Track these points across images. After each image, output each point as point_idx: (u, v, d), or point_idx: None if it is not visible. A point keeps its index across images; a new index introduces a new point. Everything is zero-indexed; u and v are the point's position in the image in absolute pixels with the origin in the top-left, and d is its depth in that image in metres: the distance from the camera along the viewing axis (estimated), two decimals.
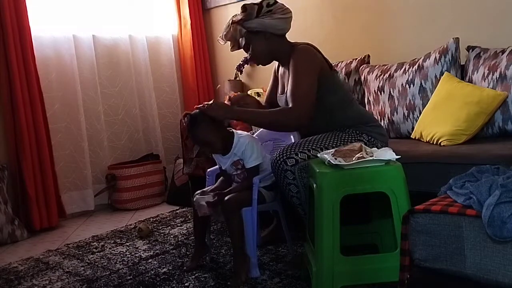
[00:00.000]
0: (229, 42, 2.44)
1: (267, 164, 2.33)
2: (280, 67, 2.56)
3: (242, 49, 2.45)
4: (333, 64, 3.29)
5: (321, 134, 2.32)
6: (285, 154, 2.19)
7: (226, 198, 2.24)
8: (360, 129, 2.35)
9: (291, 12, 2.40)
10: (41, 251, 2.99)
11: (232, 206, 2.21)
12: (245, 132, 2.47)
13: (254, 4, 2.33)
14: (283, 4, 2.38)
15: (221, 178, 2.47)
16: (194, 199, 2.33)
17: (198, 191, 2.43)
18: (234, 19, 2.37)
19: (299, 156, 2.19)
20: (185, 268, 2.43)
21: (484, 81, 2.63)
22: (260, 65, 2.50)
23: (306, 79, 2.27)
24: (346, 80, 3.28)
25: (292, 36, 2.44)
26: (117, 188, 3.89)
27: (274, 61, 2.54)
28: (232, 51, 2.49)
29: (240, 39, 2.39)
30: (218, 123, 2.29)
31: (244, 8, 2.33)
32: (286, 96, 2.34)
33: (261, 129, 2.65)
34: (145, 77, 4.22)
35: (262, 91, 3.66)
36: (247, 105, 2.46)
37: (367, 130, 2.36)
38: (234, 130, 2.40)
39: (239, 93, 2.50)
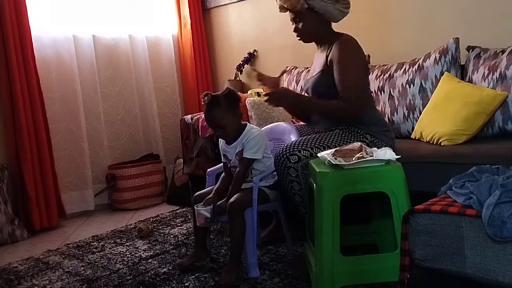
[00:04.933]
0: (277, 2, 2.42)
1: (271, 164, 2.33)
2: (317, 50, 2.54)
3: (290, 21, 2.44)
4: None
5: (327, 126, 2.34)
6: (288, 151, 2.20)
7: (230, 201, 2.23)
8: (365, 129, 2.35)
9: (350, 8, 2.40)
10: (41, 251, 2.99)
11: (236, 209, 2.21)
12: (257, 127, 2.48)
13: None
14: None
15: (222, 176, 2.47)
16: (195, 208, 2.32)
17: (199, 193, 2.44)
18: None
19: (302, 153, 2.19)
20: (179, 263, 2.43)
21: (484, 81, 2.63)
22: (257, 62, 2.53)
23: (353, 70, 2.30)
24: None
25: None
26: (117, 188, 3.89)
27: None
28: (280, 12, 2.46)
29: (296, 10, 2.36)
30: (236, 109, 2.32)
31: None
32: (337, 84, 2.32)
33: (263, 128, 2.66)
34: (145, 77, 4.22)
35: (262, 91, 3.65)
36: None
37: (372, 131, 2.36)
38: (247, 123, 2.41)
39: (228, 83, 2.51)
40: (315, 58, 2.56)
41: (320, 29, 2.41)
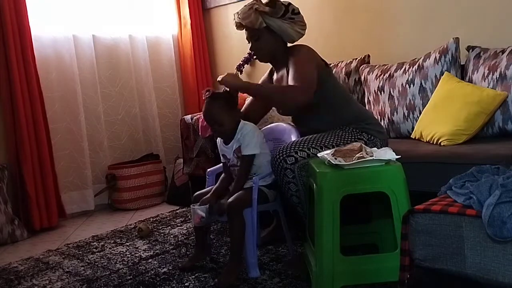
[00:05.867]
0: (236, 21, 2.44)
1: (268, 161, 2.33)
2: (275, 74, 2.55)
3: (246, 40, 2.47)
4: (333, 64, 3.31)
5: (320, 132, 2.33)
6: (284, 152, 2.20)
7: (228, 200, 2.23)
8: (359, 128, 2.35)
9: (306, 29, 2.43)
10: (41, 251, 2.99)
11: (234, 208, 2.21)
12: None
13: (282, 4, 2.35)
14: (303, 19, 2.41)
15: (222, 177, 2.47)
16: (191, 207, 2.34)
17: (198, 192, 2.44)
18: (257, 7, 2.34)
19: (299, 154, 2.19)
20: (180, 266, 2.44)
21: (484, 81, 2.63)
22: (258, 61, 2.57)
23: (306, 67, 2.30)
24: (346, 80, 3.28)
25: None
26: (117, 188, 3.89)
27: (262, 77, 2.62)
28: (237, 30, 2.49)
29: (254, 28, 2.38)
30: (234, 107, 2.35)
31: (274, 3, 2.33)
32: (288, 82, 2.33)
33: (263, 128, 2.66)
34: (145, 77, 4.22)
35: None
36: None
37: (366, 128, 2.36)
38: (240, 119, 2.42)
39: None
40: (277, 80, 2.53)
41: (276, 48, 2.42)
